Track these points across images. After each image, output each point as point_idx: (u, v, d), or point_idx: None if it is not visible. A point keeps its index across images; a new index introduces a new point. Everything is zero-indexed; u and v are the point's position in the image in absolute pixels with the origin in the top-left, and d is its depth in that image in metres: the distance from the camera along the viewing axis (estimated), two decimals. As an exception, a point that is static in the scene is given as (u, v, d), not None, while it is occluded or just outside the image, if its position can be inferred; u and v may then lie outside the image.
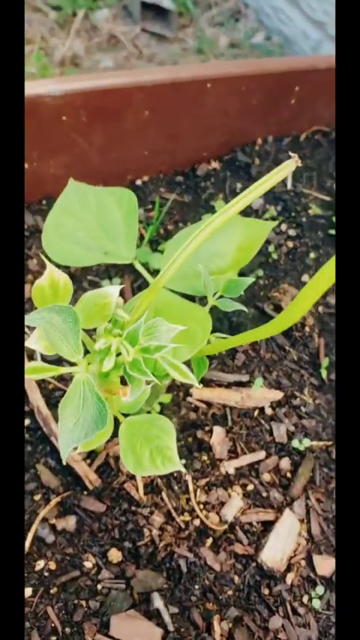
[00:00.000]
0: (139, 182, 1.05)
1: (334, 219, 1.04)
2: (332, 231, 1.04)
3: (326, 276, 0.40)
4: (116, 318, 0.47)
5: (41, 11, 2.05)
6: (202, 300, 0.64)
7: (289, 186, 1.08)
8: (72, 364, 0.43)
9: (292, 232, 1.03)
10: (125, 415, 0.55)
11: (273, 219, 1.04)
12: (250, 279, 0.56)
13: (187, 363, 0.56)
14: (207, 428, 0.81)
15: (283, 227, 1.04)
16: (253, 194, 0.47)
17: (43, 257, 0.50)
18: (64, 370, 0.44)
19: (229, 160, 1.09)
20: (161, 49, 2.04)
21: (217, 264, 0.60)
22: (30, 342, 0.46)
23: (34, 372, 0.43)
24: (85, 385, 0.42)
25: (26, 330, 0.82)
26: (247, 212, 1.05)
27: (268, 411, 0.84)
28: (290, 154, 0.46)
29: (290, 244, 1.02)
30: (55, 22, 2.04)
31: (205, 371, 0.59)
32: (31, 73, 1.80)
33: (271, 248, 1.00)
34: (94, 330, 0.48)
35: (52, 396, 0.78)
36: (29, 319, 0.42)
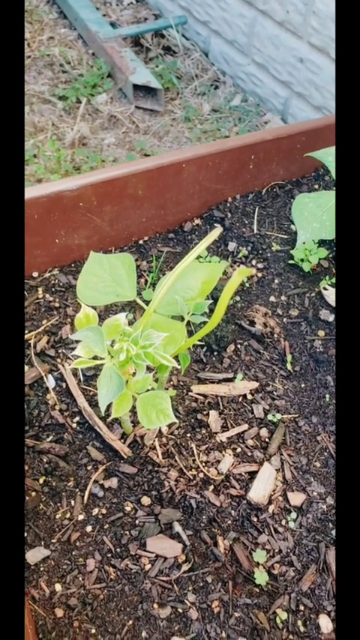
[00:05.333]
0: (141, 241, 1.39)
1: (291, 252, 1.37)
2: (291, 261, 1.36)
3: (229, 289, 0.73)
4: (124, 331, 0.79)
5: (50, 102, 2.42)
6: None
7: (255, 230, 1.41)
8: (102, 359, 0.76)
9: (260, 265, 1.36)
10: (139, 394, 0.87)
11: (245, 257, 1.37)
12: (207, 302, 0.89)
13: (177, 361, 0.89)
14: (205, 412, 1.12)
15: (253, 262, 1.37)
16: (197, 250, 0.80)
17: (80, 301, 0.83)
18: (98, 362, 0.76)
19: (207, 217, 1.43)
20: (154, 122, 2.40)
21: (189, 294, 0.93)
22: (76, 351, 0.78)
23: (81, 364, 0.76)
24: (111, 369, 0.75)
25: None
26: (226, 254, 1.38)
27: (249, 397, 1.16)
28: (215, 225, 0.78)
29: (259, 274, 1.35)
30: (62, 110, 2.40)
31: (188, 362, 0.91)
32: (47, 157, 2.17)
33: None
34: (113, 342, 0.80)
35: (93, 400, 1.11)
36: (75, 336, 0.75)
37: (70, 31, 2.65)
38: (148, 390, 0.86)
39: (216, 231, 0.79)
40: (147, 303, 1.24)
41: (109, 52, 2.41)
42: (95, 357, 0.77)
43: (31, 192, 1.16)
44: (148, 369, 0.84)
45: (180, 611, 0.90)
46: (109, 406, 1.08)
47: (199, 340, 0.91)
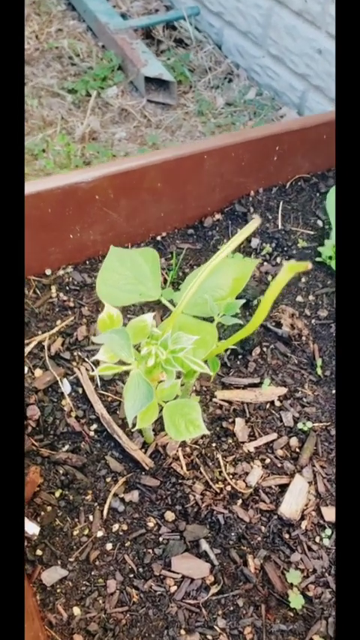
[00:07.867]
0: (159, 238, 1.32)
1: (319, 248, 1.29)
2: (319, 259, 1.29)
3: (274, 290, 0.65)
4: (152, 334, 0.72)
5: (59, 95, 2.35)
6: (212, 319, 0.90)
7: (280, 226, 1.34)
8: (128, 365, 0.69)
9: (285, 263, 1.28)
10: (166, 402, 0.80)
11: (269, 254, 1.30)
12: (240, 301, 0.81)
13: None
14: (230, 420, 1.05)
15: (278, 259, 1.29)
16: (231, 245, 0.72)
17: (102, 300, 0.76)
18: (124, 368, 0.69)
19: (229, 212, 1.36)
20: (167, 116, 2.32)
21: (219, 293, 0.86)
22: (99, 355, 0.71)
23: (106, 370, 0.69)
24: (138, 376, 0.68)
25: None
26: (249, 251, 1.30)
27: (277, 404, 1.08)
28: (253, 216, 0.71)
29: (285, 272, 1.27)
30: (72, 103, 2.33)
31: (218, 368, 0.84)
32: (56, 151, 2.09)
33: (269, 278, 1.26)
34: (138, 345, 0.73)
35: (111, 406, 1.04)
36: (99, 339, 0.68)
37: (79, 23, 2.57)
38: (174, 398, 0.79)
39: (255, 222, 0.71)
40: (171, 304, 1.16)
41: (119, 43, 2.33)
42: (119, 362, 0.70)
43: (44, 183, 1.08)
44: (176, 375, 0.77)
45: (209, 638, 0.83)
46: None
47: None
